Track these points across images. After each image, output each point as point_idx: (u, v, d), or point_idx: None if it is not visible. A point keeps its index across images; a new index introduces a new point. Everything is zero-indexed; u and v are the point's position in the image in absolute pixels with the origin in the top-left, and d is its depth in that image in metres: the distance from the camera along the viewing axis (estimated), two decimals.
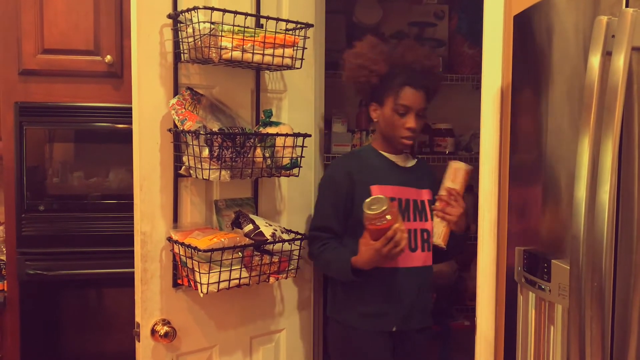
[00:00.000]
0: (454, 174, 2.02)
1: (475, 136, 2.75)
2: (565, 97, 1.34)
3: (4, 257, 2.35)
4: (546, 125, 1.42)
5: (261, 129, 1.86)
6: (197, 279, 1.70)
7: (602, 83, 1.14)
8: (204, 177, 1.69)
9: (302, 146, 1.87)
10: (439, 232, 2.00)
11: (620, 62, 1.10)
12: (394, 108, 1.97)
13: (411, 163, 2.10)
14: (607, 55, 1.14)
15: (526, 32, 1.51)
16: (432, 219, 2.03)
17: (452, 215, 1.97)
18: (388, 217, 1.78)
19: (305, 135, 1.87)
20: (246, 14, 1.73)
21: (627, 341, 1.15)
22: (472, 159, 2.75)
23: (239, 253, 1.74)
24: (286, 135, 1.82)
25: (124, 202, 2.22)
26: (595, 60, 1.15)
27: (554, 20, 1.38)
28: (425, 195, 2.05)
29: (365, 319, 1.99)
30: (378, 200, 1.79)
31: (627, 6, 1.13)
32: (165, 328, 1.75)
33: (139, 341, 1.75)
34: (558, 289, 1.29)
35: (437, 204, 2.02)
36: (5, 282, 2.29)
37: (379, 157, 2.05)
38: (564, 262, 1.28)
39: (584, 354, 1.13)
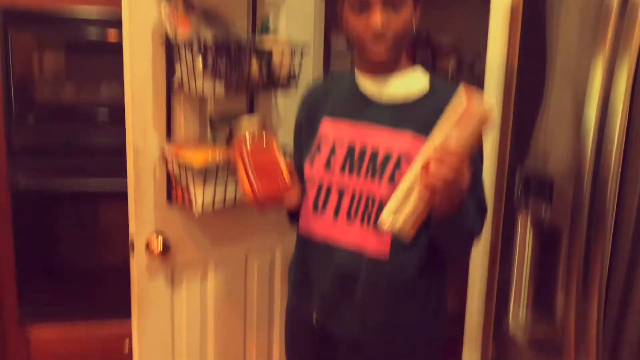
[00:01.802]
0: (466, 119, 1.11)
1: (480, 56, 2.66)
2: (579, 15, 1.26)
3: None
4: (557, 43, 1.35)
5: (257, 39, 1.77)
6: (192, 197, 1.68)
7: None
8: (198, 90, 1.63)
9: (301, 60, 1.79)
10: (406, 210, 1.17)
11: None
12: (349, 4, 1.30)
13: (403, 95, 1.37)
14: None
15: None
16: (393, 183, 1.29)
17: (434, 178, 1.11)
18: (256, 137, 1.35)
19: (303, 48, 1.79)
20: None
21: (625, 267, 1.14)
22: (475, 82, 2.67)
23: None
24: (283, 49, 1.74)
25: (116, 114, 2.17)
26: None
27: None
28: (404, 142, 1.31)
29: (291, 288, 1.56)
30: (250, 117, 1.39)
31: None
32: (160, 240, 1.74)
33: (133, 254, 1.74)
34: (559, 210, 1.26)
35: (417, 164, 1.17)
36: None
37: (352, 84, 1.44)
38: (567, 185, 1.24)
39: (583, 276, 1.12)
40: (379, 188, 1.32)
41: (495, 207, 1.71)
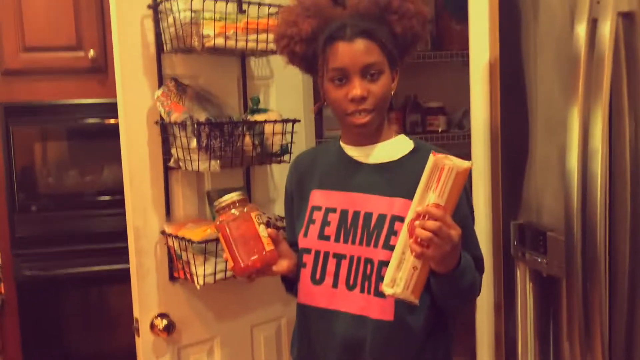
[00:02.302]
0: (441, 177, 1.15)
1: (467, 113, 2.73)
2: (554, 67, 1.32)
3: None
4: (536, 95, 1.40)
5: (249, 116, 1.83)
6: (193, 271, 1.69)
7: (590, 51, 1.12)
8: (194, 169, 1.68)
9: (292, 132, 1.85)
10: (403, 275, 1.17)
11: (606, 29, 1.08)
12: (328, 78, 1.34)
13: (388, 156, 1.39)
14: (593, 22, 1.12)
15: (511, 4, 1.49)
16: (389, 249, 1.26)
17: (432, 253, 1.15)
18: (234, 211, 1.35)
19: (294, 121, 1.85)
20: (227, 0, 1.70)
21: (625, 309, 1.14)
22: (465, 136, 2.73)
23: None
24: (275, 121, 1.80)
25: (118, 197, 2.20)
26: (581, 28, 1.13)
27: None
28: (395, 207, 1.32)
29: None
30: (230, 194, 1.38)
31: None
32: (164, 322, 1.74)
33: (138, 336, 1.74)
34: (555, 261, 1.28)
35: (404, 229, 1.18)
36: (2, 284, 2.28)
37: (338, 151, 1.45)
38: (559, 235, 1.26)
39: (584, 325, 1.12)
40: (375, 253, 1.31)
41: (495, 259, 1.72)
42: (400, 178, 1.35)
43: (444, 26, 2.90)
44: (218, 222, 1.35)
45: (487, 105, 1.73)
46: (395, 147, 1.41)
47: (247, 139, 1.77)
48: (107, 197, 2.28)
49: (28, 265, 2.21)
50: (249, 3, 1.76)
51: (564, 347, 1.32)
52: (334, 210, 1.39)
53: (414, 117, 2.82)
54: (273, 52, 1.79)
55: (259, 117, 1.80)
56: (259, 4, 1.77)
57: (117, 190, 2.20)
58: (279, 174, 2.04)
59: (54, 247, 2.24)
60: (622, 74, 1.11)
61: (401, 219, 1.26)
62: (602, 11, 1.09)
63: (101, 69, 2.24)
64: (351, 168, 1.41)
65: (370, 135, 1.39)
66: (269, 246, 1.34)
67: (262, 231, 1.35)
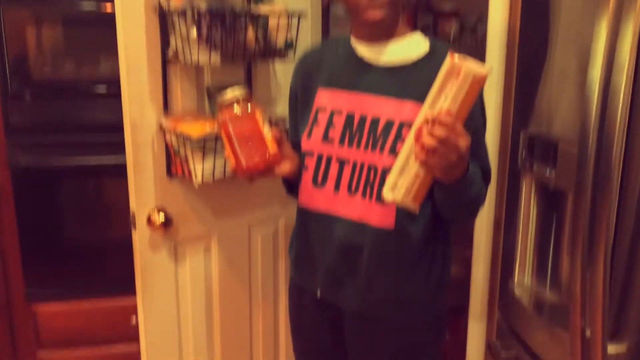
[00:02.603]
0: (456, 82, 1.07)
1: (482, 18, 2.61)
2: None
3: None
4: (559, 1, 1.31)
5: (253, 7, 1.73)
6: (192, 167, 1.66)
7: None
8: (193, 61, 1.60)
9: (298, 27, 1.75)
10: (405, 181, 1.14)
11: None
12: None
13: (402, 58, 1.31)
14: None
15: None
16: (395, 154, 1.23)
17: (437, 161, 1.09)
18: (237, 109, 1.29)
19: (301, 15, 1.75)
20: None
21: (631, 229, 1.12)
22: (478, 43, 2.62)
23: None
24: (279, 15, 1.70)
25: (115, 89, 2.13)
26: None
27: None
28: (405, 111, 1.26)
29: (293, 264, 1.53)
30: (232, 89, 1.32)
31: None
32: (161, 216, 1.73)
33: (135, 230, 1.74)
34: (564, 174, 1.24)
35: (411, 134, 1.13)
36: None
37: (348, 49, 1.38)
38: (571, 147, 1.22)
39: (588, 240, 1.10)
40: (380, 159, 1.27)
41: (499, 172, 1.69)
42: (413, 80, 1.27)
43: None
44: (221, 120, 1.30)
45: (507, 10, 1.63)
46: (409, 47, 1.32)
47: (250, 32, 1.68)
48: (103, 88, 2.20)
49: (23, 155, 2.17)
50: None
51: (564, 261, 1.31)
52: (340, 113, 1.33)
53: (426, 19, 2.69)
54: None
55: (263, 8, 1.70)
56: None
57: (114, 81, 2.13)
58: (281, 72, 1.96)
59: (49, 137, 2.19)
60: None
61: (410, 125, 1.19)
62: None
63: None
64: (362, 67, 1.33)
65: (384, 31, 1.31)
66: (272, 147, 1.30)
67: (267, 131, 1.30)
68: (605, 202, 1.07)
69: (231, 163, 1.31)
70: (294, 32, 1.75)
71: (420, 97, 1.18)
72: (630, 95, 1.05)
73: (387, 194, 1.15)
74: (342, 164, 1.32)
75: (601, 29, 1.06)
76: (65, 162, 2.21)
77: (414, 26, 2.68)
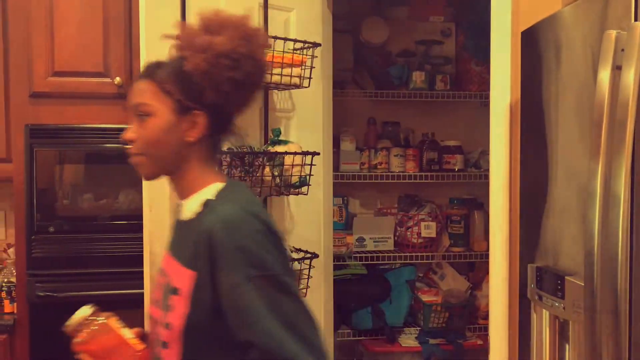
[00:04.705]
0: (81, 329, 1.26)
1: (484, 153, 2.75)
2: (575, 113, 1.33)
3: (14, 279, 2.35)
4: (557, 140, 1.41)
5: (270, 147, 1.86)
6: None
7: (612, 98, 1.13)
8: None
9: (311, 164, 1.86)
10: None
11: (630, 76, 1.09)
12: None
13: (184, 214, 1.21)
14: (617, 69, 1.13)
15: (534, 47, 1.51)
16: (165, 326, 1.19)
17: None
18: (89, 329, 1.28)
19: (314, 154, 1.87)
20: None
21: None
22: (482, 175, 2.74)
23: None
24: (295, 153, 1.82)
25: (134, 222, 2.22)
26: (604, 74, 1.14)
27: (562, 35, 1.38)
28: (180, 276, 1.16)
29: None
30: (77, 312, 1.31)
31: (636, 20, 1.12)
32: None
33: None
34: (572, 306, 1.27)
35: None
36: (15, 304, 2.29)
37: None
38: (577, 279, 1.26)
39: None
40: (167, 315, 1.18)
41: (511, 302, 1.71)
42: (189, 239, 1.15)
43: (463, 67, 2.94)
44: (80, 343, 1.28)
45: (507, 147, 1.74)
46: (196, 202, 1.18)
47: (267, 170, 1.79)
48: (122, 222, 2.29)
49: (42, 286, 2.22)
50: (275, 38, 1.80)
51: None
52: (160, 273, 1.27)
53: (431, 154, 2.83)
54: (296, 86, 1.83)
55: (279, 149, 1.83)
56: (285, 39, 1.81)
57: (133, 215, 2.23)
58: (295, 205, 2.05)
59: (68, 268, 2.25)
60: None
61: (175, 291, 1.15)
62: (627, 59, 1.10)
63: (126, 96, 2.27)
64: (176, 224, 1.28)
65: (175, 188, 1.23)
66: (139, 346, 1.26)
67: (127, 333, 1.28)
68: (615, 333, 1.09)
69: None
70: (307, 169, 1.86)
71: (184, 261, 1.15)
72: (628, 229, 1.11)
73: None
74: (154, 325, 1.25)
75: (597, 169, 1.14)
76: (82, 293, 2.24)
77: (420, 160, 2.81)
